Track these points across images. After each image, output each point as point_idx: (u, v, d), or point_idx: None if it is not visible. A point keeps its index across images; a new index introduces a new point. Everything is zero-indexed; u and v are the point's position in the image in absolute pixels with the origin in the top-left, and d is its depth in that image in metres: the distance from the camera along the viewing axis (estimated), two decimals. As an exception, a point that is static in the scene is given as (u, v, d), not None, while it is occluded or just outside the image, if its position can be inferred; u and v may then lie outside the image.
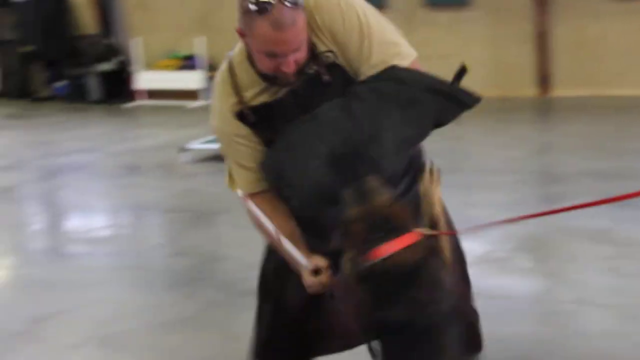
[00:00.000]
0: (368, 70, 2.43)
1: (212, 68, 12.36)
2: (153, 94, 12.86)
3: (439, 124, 2.50)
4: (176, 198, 7.01)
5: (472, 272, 4.71)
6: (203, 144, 8.08)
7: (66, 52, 13.14)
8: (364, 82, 2.44)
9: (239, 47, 2.52)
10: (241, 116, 2.49)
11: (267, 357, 2.92)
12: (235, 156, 2.59)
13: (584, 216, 5.58)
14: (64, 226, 6.73)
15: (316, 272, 2.45)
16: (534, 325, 4.01)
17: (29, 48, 13.20)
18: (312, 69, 2.43)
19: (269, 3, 2.24)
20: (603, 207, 6.43)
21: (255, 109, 2.48)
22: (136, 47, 12.85)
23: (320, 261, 2.44)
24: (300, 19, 2.31)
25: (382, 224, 2.27)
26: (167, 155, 8.45)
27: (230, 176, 2.66)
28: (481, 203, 6.22)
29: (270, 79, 2.43)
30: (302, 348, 2.86)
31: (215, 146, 7.41)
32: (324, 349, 2.93)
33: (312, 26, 2.40)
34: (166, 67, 12.90)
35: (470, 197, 6.47)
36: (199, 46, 12.27)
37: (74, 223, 6.68)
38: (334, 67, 2.44)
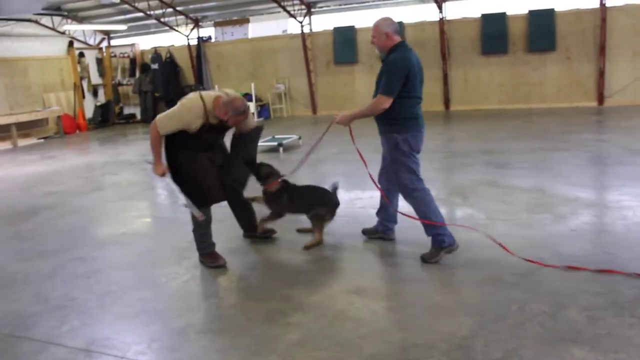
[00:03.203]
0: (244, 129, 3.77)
1: (258, 100, 12.36)
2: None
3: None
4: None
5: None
6: (262, 143, 7.95)
7: (178, 95, 12.76)
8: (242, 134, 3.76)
9: (209, 100, 3.44)
10: (202, 125, 3.46)
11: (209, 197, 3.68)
12: (174, 123, 3.49)
13: (483, 175, 5.75)
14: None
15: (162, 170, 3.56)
16: (464, 232, 4.01)
17: (157, 93, 13.06)
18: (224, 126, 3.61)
19: (242, 112, 3.47)
20: (491, 168, 6.41)
21: (208, 124, 3.49)
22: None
23: (164, 166, 3.57)
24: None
25: (272, 173, 3.88)
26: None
27: (160, 126, 3.52)
28: (425, 168, 6.13)
29: (222, 121, 3.52)
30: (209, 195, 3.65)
31: (263, 143, 7.43)
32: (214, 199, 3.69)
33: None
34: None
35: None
36: (251, 88, 12.10)
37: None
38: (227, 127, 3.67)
